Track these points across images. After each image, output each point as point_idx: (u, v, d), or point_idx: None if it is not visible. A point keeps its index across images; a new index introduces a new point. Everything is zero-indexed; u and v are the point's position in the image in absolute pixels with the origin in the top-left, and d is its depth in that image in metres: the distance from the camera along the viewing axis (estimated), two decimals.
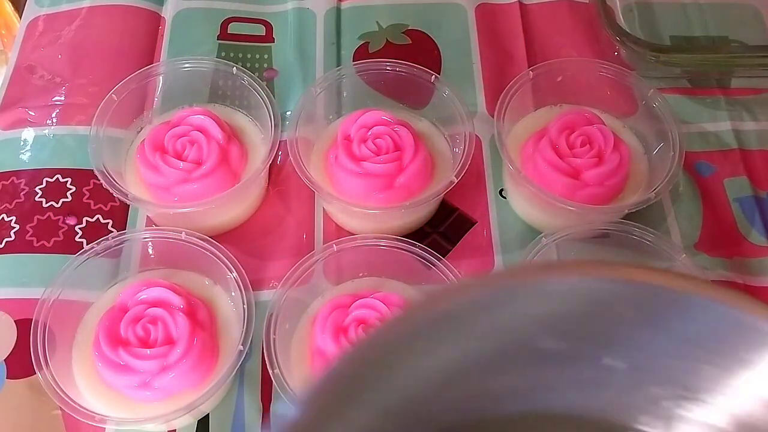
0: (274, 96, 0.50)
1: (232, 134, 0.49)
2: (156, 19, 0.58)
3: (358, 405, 0.23)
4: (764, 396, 0.23)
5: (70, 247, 0.47)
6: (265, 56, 0.57)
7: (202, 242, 0.44)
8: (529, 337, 0.24)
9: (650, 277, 0.22)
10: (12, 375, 0.43)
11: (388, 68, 0.51)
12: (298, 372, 0.41)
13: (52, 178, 0.50)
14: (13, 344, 0.44)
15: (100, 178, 0.45)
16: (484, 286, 0.23)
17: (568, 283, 0.22)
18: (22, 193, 0.49)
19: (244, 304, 0.42)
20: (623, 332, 0.24)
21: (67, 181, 0.50)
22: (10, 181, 0.50)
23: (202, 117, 0.47)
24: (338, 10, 0.59)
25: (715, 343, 0.23)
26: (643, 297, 0.22)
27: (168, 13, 0.58)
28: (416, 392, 0.25)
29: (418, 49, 0.57)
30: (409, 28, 0.58)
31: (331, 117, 0.51)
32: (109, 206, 0.49)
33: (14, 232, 0.48)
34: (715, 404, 0.25)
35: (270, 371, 0.39)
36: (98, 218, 0.49)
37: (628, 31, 0.55)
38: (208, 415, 0.43)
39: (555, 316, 0.23)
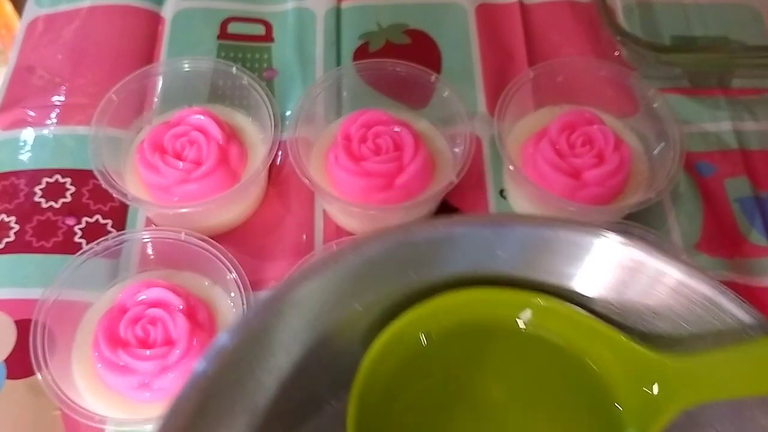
0: (274, 96, 0.50)
1: (232, 134, 0.49)
2: (155, 19, 0.58)
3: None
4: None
5: (69, 247, 0.47)
6: (265, 56, 0.57)
7: (201, 243, 0.44)
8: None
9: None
10: (12, 375, 0.43)
11: (388, 68, 0.51)
12: None
13: (51, 178, 0.50)
14: (13, 344, 0.44)
15: (99, 178, 0.45)
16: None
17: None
18: (21, 194, 0.49)
19: (243, 304, 0.42)
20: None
21: (66, 182, 0.50)
22: (9, 181, 0.50)
23: (201, 117, 0.47)
24: (338, 10, 0.59)
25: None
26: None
27: (167, 13, 0.58)
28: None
29: (418, 49, 0.57)
30: (409, 28, 0.58)
31: (331, 117, 0.51)
32: (108, 206, 0.49)
33: (14, 233, 0.48)
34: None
35: None
36: (98, 218, 0.48)
37: (628, 31, 0.55)
38: None
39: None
